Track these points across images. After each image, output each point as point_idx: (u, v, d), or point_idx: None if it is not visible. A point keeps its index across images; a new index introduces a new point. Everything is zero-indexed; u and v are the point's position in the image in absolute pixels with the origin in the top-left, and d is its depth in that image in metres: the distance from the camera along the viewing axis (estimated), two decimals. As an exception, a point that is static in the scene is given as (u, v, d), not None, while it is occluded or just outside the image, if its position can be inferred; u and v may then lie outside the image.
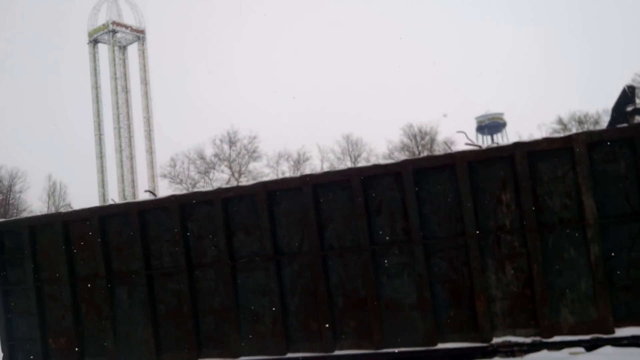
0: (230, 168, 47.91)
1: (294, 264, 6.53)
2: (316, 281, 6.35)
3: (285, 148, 49.99)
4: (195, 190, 6.98)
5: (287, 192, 6.53)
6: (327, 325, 6.28)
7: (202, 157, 48.22)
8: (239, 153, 47.55)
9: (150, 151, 79.73)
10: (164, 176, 48.50)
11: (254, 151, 48.48)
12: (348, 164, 45.21)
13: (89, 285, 7.35)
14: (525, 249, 5.72)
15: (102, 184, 79.01)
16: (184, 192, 8.29)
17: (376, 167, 6.23)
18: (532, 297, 5.68)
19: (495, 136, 67.86)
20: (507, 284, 5.81)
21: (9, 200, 44.19)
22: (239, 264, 6.70)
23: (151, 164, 79.29)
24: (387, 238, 6.18)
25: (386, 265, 6.18)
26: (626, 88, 6.92)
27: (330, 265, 6.37)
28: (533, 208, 5.66)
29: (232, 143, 47.51)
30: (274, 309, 6.52)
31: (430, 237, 6.03)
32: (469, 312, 5.87)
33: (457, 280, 5.95)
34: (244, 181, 48.22)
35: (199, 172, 47.70)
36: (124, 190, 78.32)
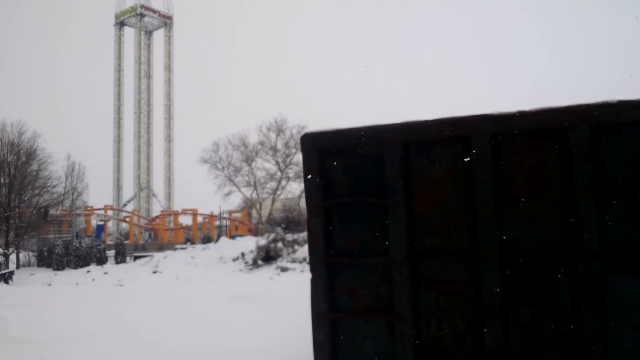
0: (275, 158, 44.25)
1: None
2: None
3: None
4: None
5: None
6: None
7: (245, 145, 44.53)
8: (286, 143, 43.78)
9: (169, 139, 76.08)
10: (205, 161, 44.69)
11: (302, 142, 44.78)
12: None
13: (545, 262, 3.47)
14: None
15: (118, 168, 75.25)
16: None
17: None
18: None
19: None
20: None
21: (25, 175, 39.86)
22: None
23: (168, 152, 75.63)
24: None
25: None
26: None
27: None
28: None
29: (280, 131, 43.75)
30: None
31: None
32: None
33: None
34: (291, 173, 44.48)
35: (242, 160, 43.99)
36: (139, 176, 74.62)
